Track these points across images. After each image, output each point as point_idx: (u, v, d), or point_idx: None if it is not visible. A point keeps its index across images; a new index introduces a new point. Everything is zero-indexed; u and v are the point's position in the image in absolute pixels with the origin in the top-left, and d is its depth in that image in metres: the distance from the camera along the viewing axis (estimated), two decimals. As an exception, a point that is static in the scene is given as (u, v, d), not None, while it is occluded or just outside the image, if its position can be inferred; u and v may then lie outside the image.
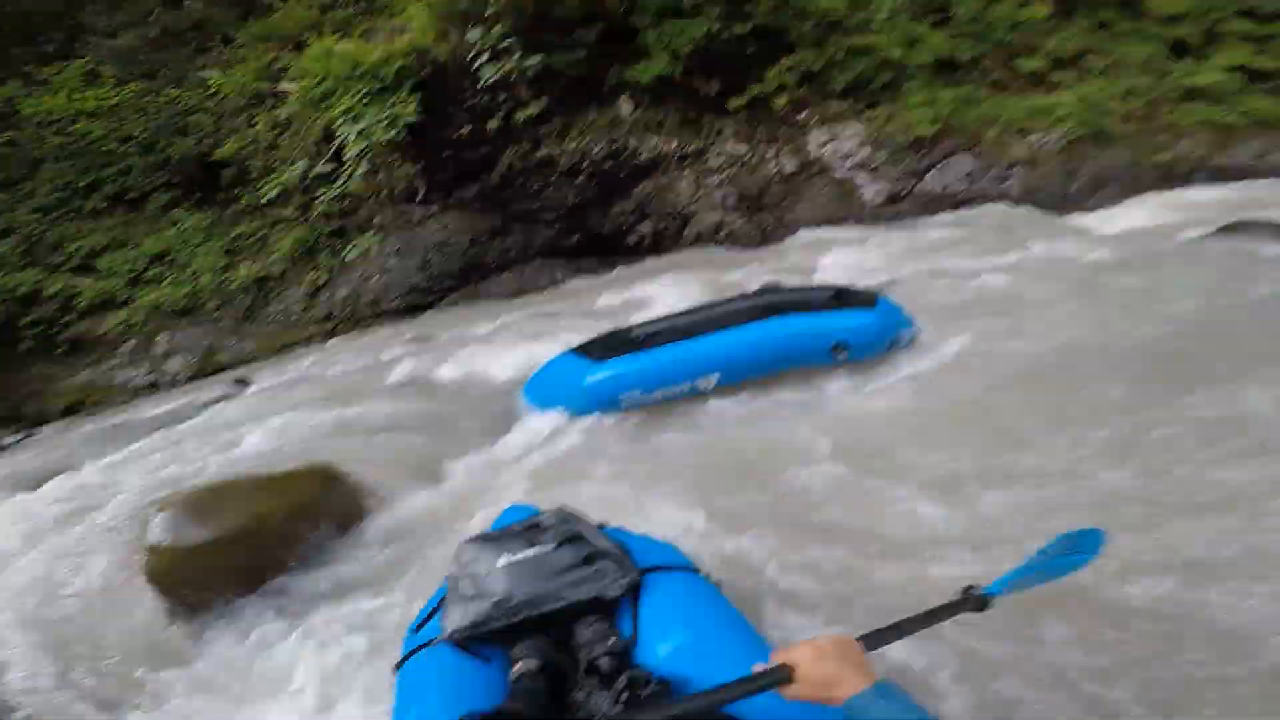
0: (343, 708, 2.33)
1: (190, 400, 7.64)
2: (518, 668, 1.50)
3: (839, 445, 3.27)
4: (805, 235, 8.33)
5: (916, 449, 3.15)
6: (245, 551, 3.04)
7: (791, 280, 5.93)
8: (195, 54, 11.38)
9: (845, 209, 8.54)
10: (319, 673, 2.50)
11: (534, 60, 7.91)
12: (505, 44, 7.92)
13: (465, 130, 8.51)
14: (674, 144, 8.61)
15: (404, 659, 1.70)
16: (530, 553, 1.72)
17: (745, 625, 1.59)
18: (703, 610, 1.60)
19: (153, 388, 9.31)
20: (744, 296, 4.60)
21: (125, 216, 10.50)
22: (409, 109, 8.10)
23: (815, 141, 8.72)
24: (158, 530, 3.05)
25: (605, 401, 4.05)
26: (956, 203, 8.30)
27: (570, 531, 1.77)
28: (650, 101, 8.54)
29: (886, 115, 8.58)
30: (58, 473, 5.31)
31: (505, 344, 6.09)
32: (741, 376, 4.05)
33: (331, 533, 3.30)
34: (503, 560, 1.71)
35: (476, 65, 8.02)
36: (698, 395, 4.06)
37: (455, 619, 1.64)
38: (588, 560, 1.69)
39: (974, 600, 1.41)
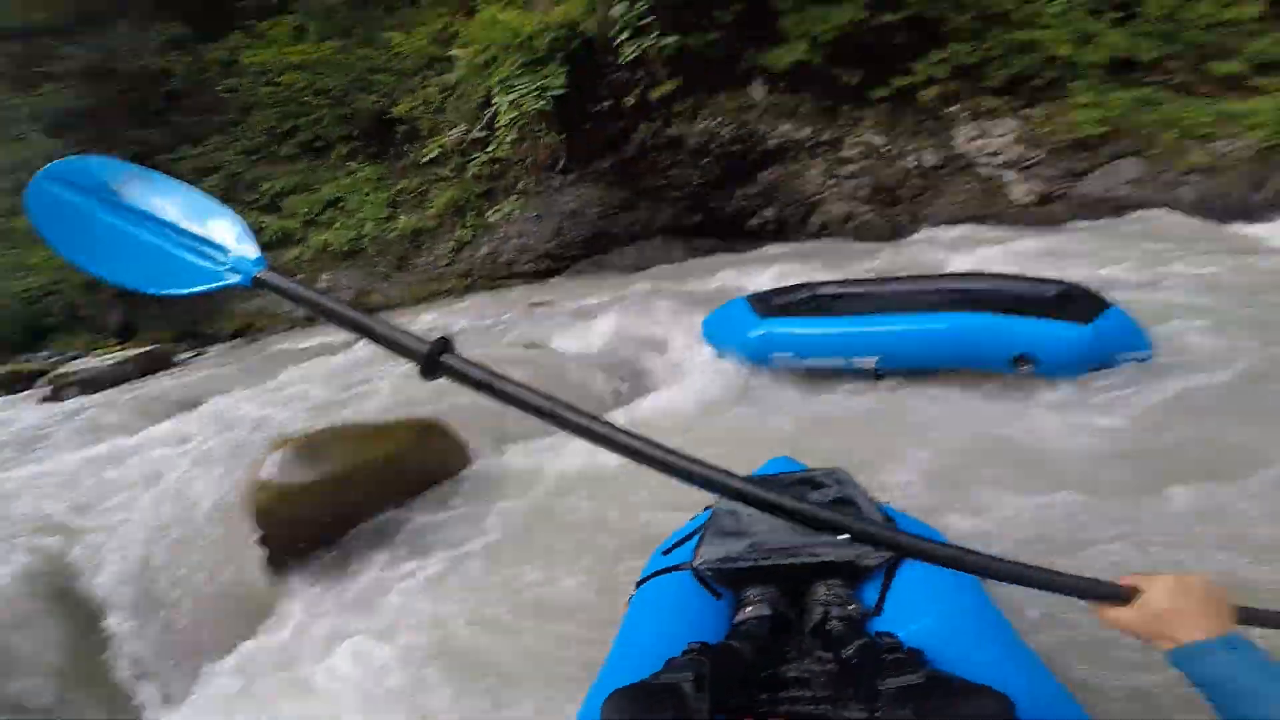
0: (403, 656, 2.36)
1: (333, 340, 8.26)
2: (747, 610, 1.53)
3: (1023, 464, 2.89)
4: (942, 232, 7.91)
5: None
6: (343, 496, 3.20)
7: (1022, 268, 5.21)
8: (385, 13, 12.23)
9: (988, 207, 8.14)
10: (387, 616, 2.60)
11: (670, 39, 8.02)
12: (645, 21, 8.07)
13: (606, 104, 8.79)
14: (806, 131, 8.46)
15: (648, 577, 1.75)
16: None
17: (1007, 627, 1.48)
18: (962, 603, 1.49)
19: (310, 320, 10.49)
20: (950, 276, 4.29)
21: (311, 163, 11.73)
22: (558, 81, 8.45)
23: (963, 136, 8.25)
24: (270, 468, 3.16)
25: (760, 357, 4.01)
26: (1118, 208, 7.68)
27: (844, 494, 1.77)
28: (785, 87, 8.43)
29: (1046, 113, 8.00)
30: (209, 397, 5.96)
31: (619, 316, 6.09)
32: (905, 365, 3.76)
33: (425, 484, 3.47)
34: None
35: (618, 41, 8.24)
36: (855, 372, 3.87)
37: (708, 551, 1.69)
38: None
39: None
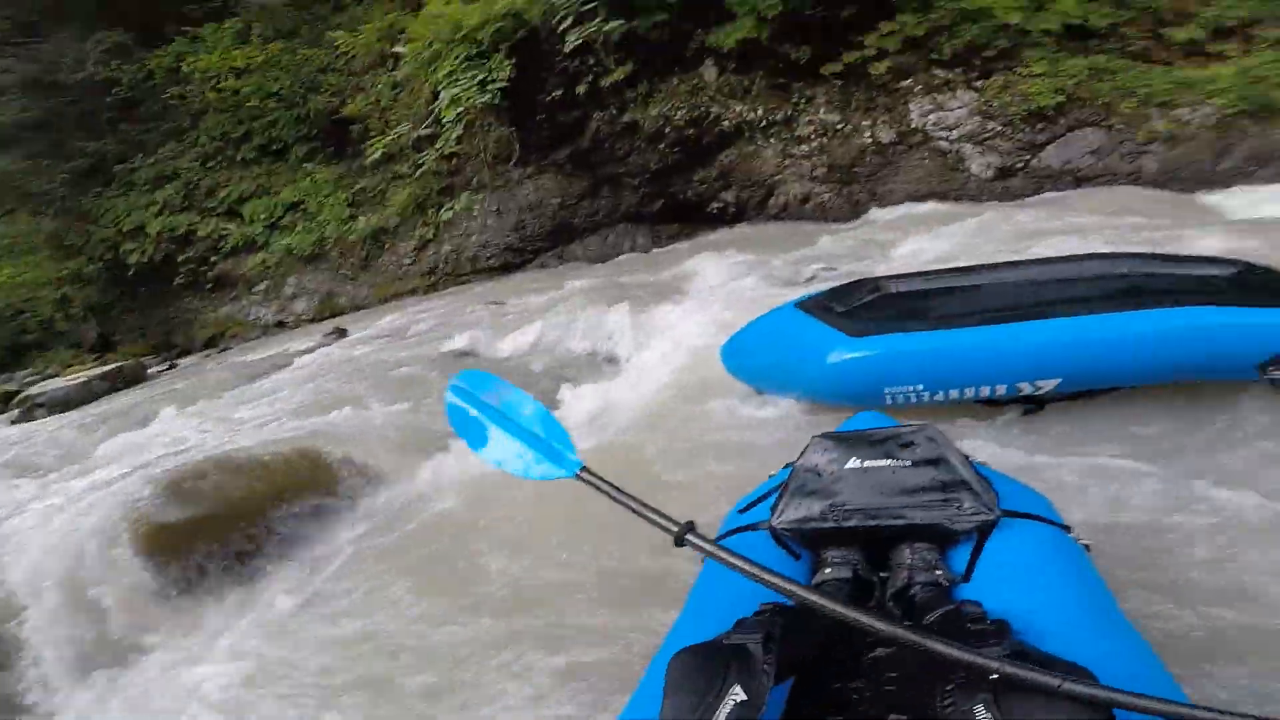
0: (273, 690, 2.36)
1: (288, 348, 8.43)
2: (826, 573, 1.47)
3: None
4: (904, 209, 7.82)
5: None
6: (220, 532, 3.15)
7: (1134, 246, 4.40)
8: (332, 12, 11.99)
9: (948, 183, 8.01)
10: (261, 658, 2.56)
11: (616, 24, 7.88)
12: (589, 6, 7.93)
13: (557, 94, 8.64)
14: (759, 111, 8.35)
15: (723, 535, 1.69)
16: (883, 463, 1.60)
17: (1111, 601, 1.35)
18: (1061, 571, 1.39)
19: (280, 325, 10.44)
20: (1089, 259, 3.24)
21: (269, 166, 11.54)
22: (503, 73, 8.29)
23: (917, 111, 8.11)
24: (150, 503, 3.17)
25: (860, 393, 2.82)
26: (1079, 179, 7.61)
27: (934, 454, 1.61)
28: (736, 67, 8.32)
29: (1001, 84, 7.87)
30: (157, 416, 5.91)
31: (580, 311, 5.82)
32: (1100, 384, 2.78)
33: (316, 513, 3.40)
34: (852, 463, 1.62)
35: (562, 28, 8.09)
36: (1017, 401, 2.84)
37: (787, 511, 1.61)
38: (944, 486, 1.54)
39: None
